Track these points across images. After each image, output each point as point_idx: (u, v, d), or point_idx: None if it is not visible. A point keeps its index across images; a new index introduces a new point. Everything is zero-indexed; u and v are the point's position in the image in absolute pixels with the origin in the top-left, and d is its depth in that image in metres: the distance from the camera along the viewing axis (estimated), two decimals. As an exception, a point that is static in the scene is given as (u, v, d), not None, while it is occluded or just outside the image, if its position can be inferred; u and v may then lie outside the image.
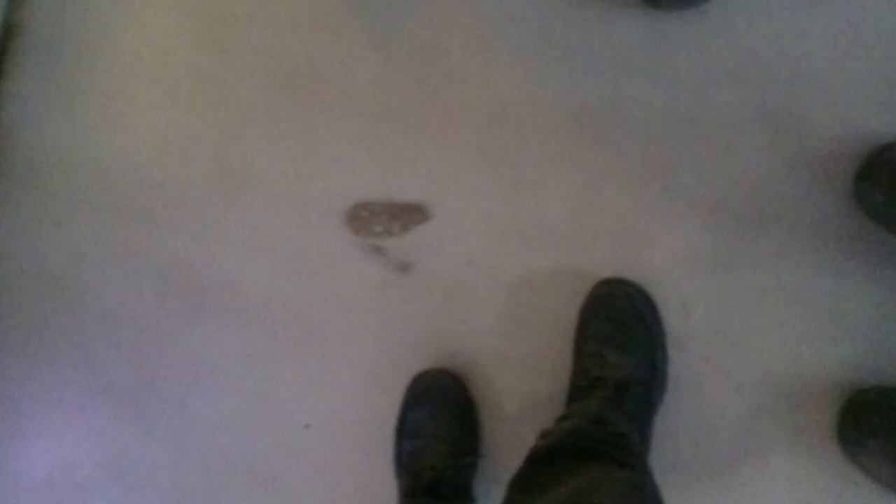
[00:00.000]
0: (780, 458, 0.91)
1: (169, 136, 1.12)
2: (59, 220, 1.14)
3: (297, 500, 1.04)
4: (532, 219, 1.00)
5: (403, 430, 0.98)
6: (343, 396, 1.04)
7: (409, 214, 1.04)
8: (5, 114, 1.18)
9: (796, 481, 0.90)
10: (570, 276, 0.97)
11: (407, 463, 0.96)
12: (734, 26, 0.93)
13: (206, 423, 1.07)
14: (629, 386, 0.87)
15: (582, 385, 0.90)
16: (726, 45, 0.94)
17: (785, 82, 0.92)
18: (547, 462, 0.76)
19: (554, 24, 1.00)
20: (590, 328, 0.93)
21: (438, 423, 0.96)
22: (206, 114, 1.11)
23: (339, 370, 1.04)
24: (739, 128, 0.93)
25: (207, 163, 1.10)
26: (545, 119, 1.00)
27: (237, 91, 1.10)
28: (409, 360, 1.01)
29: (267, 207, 1.08)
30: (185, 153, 1.11)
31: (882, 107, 0.89)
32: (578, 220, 0.98)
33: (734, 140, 0.93)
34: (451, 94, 1.03)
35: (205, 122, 1.11)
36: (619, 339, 0.90)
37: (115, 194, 1.12)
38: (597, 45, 0.98)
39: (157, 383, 1.08)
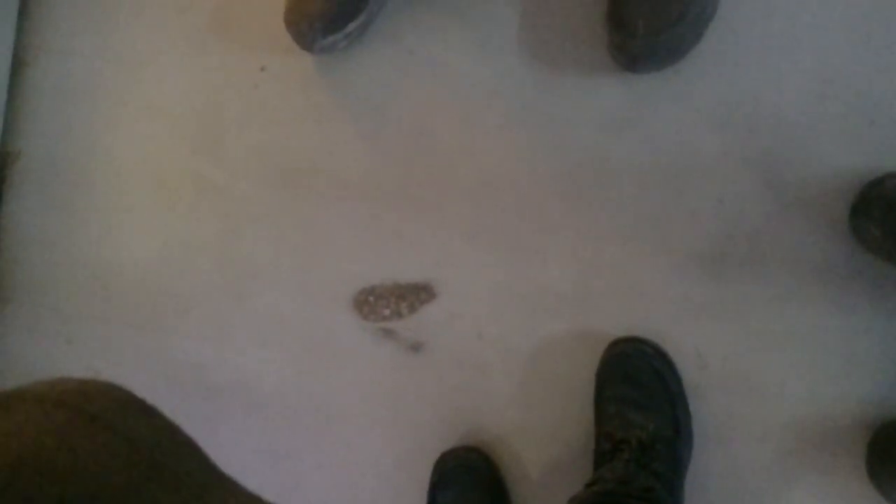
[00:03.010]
0: (813, 500, 0.90)
1: (171, 242, 1.14)
2: (70, 338, 1.15)
3: None
4: (537, 286, 1.01)
5: (434, 514, 0.97)
6: (369, 484, 1.04)
7: (415, 294, 1.05)
8: (9, 237, 1.20)
9: (832, 524, 0.89)
10: (582, 339, 0.98)
11: (441, 547, 0.95)
12: (710, 80, 0.96)
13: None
14: (654, 445, 0.87)
15: (607, 449, 0.89)
16: (705, 99, 0.96)
17: (767, 128, 0.94)
18: None
19: (534, 95, 1.02)
20: (607, 390, 0.93)
21: (468, 502, 0.95)
22: (206, 217, 1.13)
23: (363, 458, 1.04)
24: (728, 177, 0.95)
25: (211, 264, 1.12)
26: (537, 187, 1.02)
27: (234, 191, 1.12)
28: (431, 441, 1.01)
29: (274, 302, 1.09)
30: (189, 258, 1.13)
31: (866, 142, 0.91)
32: (583, 283, 0.99)
33: (725, 189, 0.95)
34: (442, 172, 1.05)
35: (205, 225, 1.13)
36: (638, 398, 0.90)
37: (122, 306, 1.14)
38: (577, 111, 1.00)
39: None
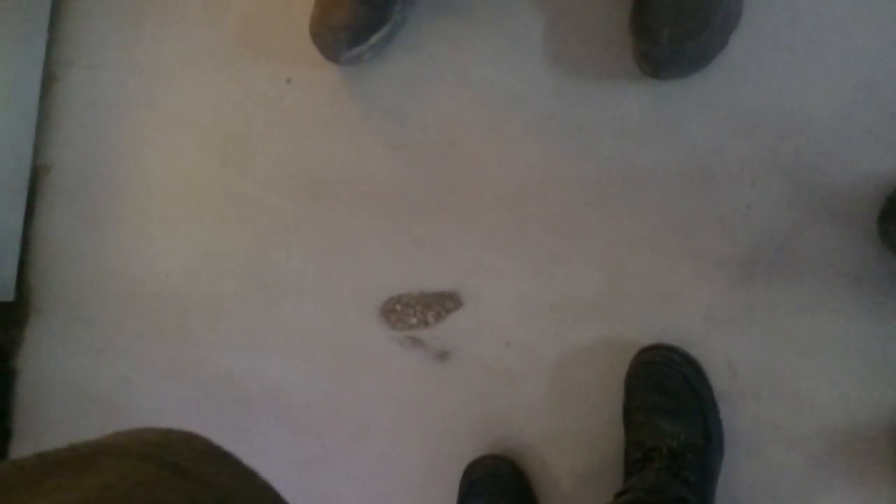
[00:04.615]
0: (847, 508, 0.90)
1: (200, 253, 1.15)
2: (101, 348, 1.17)
3: None
4: (564, 294, 1.01)
5: (464, 522, 0.98)
6: (398, 492, 1.04)
7: (441, 303, 1.06)
8: (40, 249, 1.21)
9: (866, 532, 0.89)
10: (610, 347, 0.98)
11: (472, 555, 0.95)
12: (738, 85, 0.95)
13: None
14: (685, 454, 0.86)
15: (637, 458, 0.89)
16: (732, 104, 0.96)
17: (795, 133, 0.93)
18: None
19: (558, 103, 1.02)
20: (636, 399, 0.93)
21: (498, 510, 0.96)
22: (234, 228, 1.14)
23: (391, 466, 1.05)
24: (757, 182, 0.94)
25: (240, 275, 1.13)
26: (563, 194, 1.02)
27: (262, 202, 1.13)
28: (459, 449, 1.01)
29: (302, 312, 1.10)
30: (218, 269, 1.14)
31: (894, 146, 0.90)
32: (610, 290, 0.99)
33: (754, 195, 0.95)
34: (468, 182, 1.06)
35: (233, 236, 1.14)
36: (668, 406, 0.90)
37: (152, 317, 1.15)
38: (603, 118, 1.00)
39: None
